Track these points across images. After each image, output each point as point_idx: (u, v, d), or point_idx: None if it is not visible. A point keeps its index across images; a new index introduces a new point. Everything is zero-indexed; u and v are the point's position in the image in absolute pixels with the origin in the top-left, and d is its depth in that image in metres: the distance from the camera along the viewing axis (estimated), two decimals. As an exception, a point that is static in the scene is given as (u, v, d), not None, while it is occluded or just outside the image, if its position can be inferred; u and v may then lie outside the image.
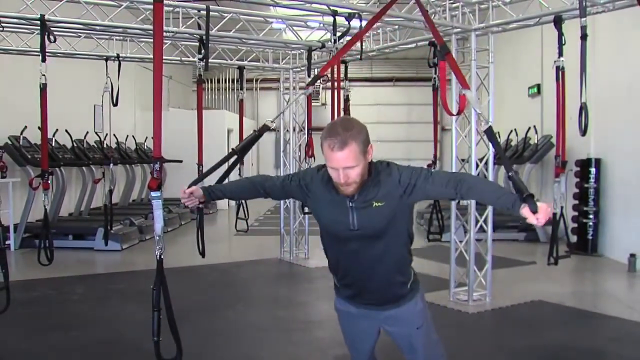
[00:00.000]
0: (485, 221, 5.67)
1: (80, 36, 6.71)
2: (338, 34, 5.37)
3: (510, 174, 2.21)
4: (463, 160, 5.93)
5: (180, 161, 12.45)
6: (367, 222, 2.23)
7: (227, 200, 15.69)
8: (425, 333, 2.51)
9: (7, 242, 7.55)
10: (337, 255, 2.40)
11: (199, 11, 5.90)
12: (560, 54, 4.60)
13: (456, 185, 2.16)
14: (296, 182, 2.39)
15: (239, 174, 6.92)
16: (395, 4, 5.05)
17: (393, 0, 3.05)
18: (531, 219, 1.97)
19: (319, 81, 15.67)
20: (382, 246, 2.27)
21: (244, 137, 7.25)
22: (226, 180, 2.73)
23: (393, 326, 2.48)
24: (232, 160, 2.78)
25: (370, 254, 2.29)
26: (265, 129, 2.57)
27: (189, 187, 2.43)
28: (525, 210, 1.97)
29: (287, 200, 8.22)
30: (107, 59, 6.64)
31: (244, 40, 6.92)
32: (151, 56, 5.54)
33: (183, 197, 2.42)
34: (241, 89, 7.20)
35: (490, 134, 2.59)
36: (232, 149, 2.59)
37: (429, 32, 5.83)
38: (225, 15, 6.11)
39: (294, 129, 8.17)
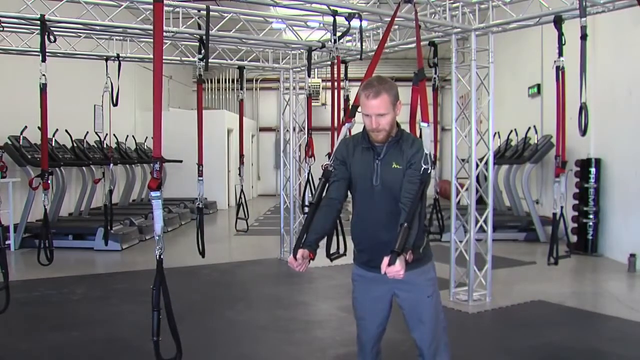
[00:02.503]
0: (485, 221, 5.67)
1: (80, 36, 6.71)
2: (338, 34, 5.36)
3: (402, 224, 2.35)
4: (463, 160, 5.92)
5: (180, 161, 12.46)
6: (387, 179, 2.54)
7: (227, 200, 15.64)
8: (435, 306, 2.68)
9: (7, 242, 7.56)
10: (360, 211, 2.66)
11: (199, 11, 5.90)
12: (560, 54, 4.60)
13: (402, 198, 2.46)
14: (338, 162, 2.68)
15: (239, 174, 6.94)
16: (395, 4, 5.06)
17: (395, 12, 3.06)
18: (383, 266, 2.27)
19: (318, 81, 15.60)
20: (397, 205, 2.48)
21: (242, 138, 7.29)
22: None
23: (405, 291, 2.63)
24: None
25: (387, 209, 2.53)
26: (327, 173, 2.73)
27: (294, 255, 2.52)
28: (385, 258, 2.28)
29: (287, 200, 8.23)
30: (107, 59, 6.64)
31: (244, 40, 6.91)
32: (151, 56, 5.55)
33: (297, 265, 2.51)
34: (241, 89, 7.20)
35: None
36: (310, 202, 2.75)
37: (429, 32, 5.85)
38: (225, 15, 6.10)
39: (294, 129, 8.17)
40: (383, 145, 2.57)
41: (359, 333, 2.79)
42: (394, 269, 2.24)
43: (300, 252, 2.51)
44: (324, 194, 2.68)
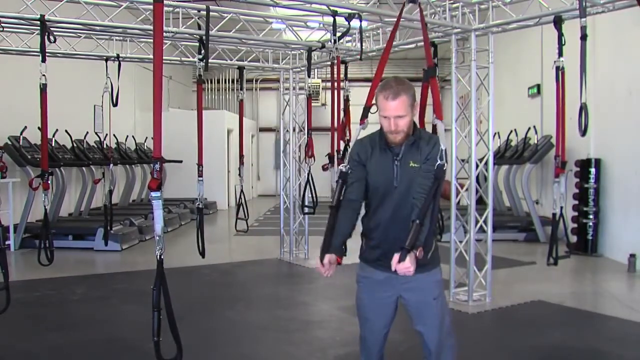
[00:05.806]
0: (485, 221, 5.67)
1: (80, 36, 6.71)
2: (338, 34, 5.36)
3: (414, 220, 2.33)
4: (463, 160, 5.93)
5: (180, 161, 12.46)
6: (405, 179, 2.53)
7: (226, 200, 15.61)
8: (440, 308, 2.69)
9: (7, 242, 7.56)
10: (378, 210, 2.62)
11: (199, 11, 5.90)
12: (560, 54, 4.60)
13: (416, 193, 2.44)
14: (355, 163, 2.65)
15: (239, 174, 6.94)
16: (395, 4, 5.06)
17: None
18: (393, 263, 2.29)
19: (318, 81, 15.53)
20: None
21: (242, 139, 7.29)
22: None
23: (411, 293, 2.63)
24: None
25: (403, 213, 2.50)
26: (344, 175, 2.65)
27: (321, 260, 2.55)
28: (395, 255, 2.29)
29: (287, 201, 8.23)
30: (107, 59, 6.64)
31: (244, 40, 6.91)
32: (151, 56, 5.54)
33: (326, 271, 2.54)
34: (241, 89, 7.19)
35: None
36: (330, 205, 2.66)
37: (429, 32, 5.84)
38: (225, 15, 6.11)
39: (294, 129, 8.17)
40: (401, 146, 2.55)
41: (363, 335, 2.78)
42: (404, 266, 2.25)
43: (327, 257, 2.53)
44: (342, 197, 2.63)
